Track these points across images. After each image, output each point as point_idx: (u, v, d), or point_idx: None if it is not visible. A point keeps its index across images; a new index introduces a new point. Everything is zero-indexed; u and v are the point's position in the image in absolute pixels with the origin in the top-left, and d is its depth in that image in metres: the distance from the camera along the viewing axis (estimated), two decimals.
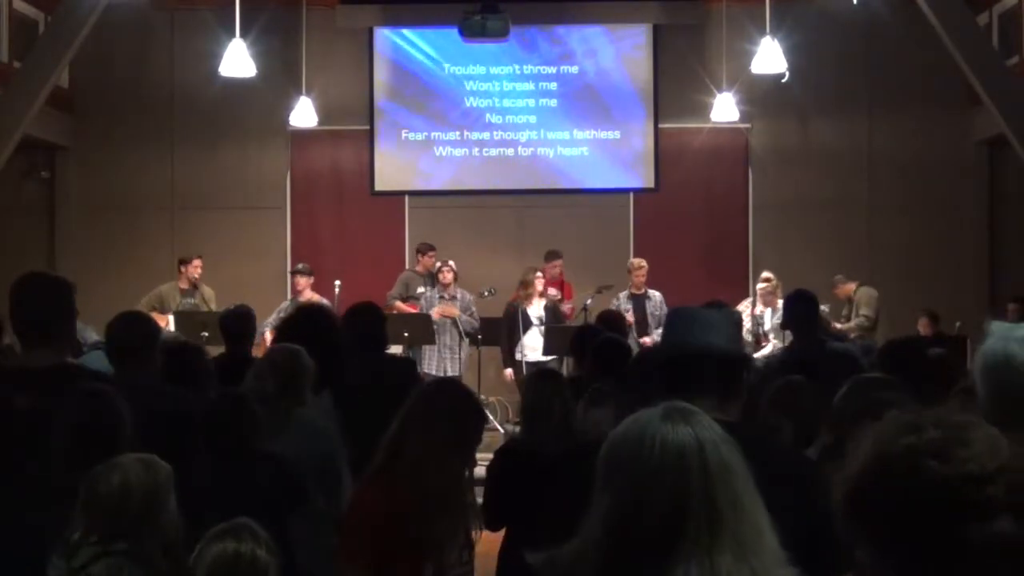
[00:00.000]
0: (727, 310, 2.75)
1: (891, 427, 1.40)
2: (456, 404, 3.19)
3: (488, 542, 3.60)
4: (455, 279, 11.02)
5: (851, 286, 11.33)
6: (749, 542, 1.70)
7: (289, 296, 11.45)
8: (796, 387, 4.00)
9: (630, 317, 10.36)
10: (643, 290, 10.92)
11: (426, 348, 10.78)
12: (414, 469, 3.01)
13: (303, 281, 11.19)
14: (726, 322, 2.61)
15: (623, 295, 11.04)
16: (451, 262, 11.12)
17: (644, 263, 11.02)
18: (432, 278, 11.28)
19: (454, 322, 10.91)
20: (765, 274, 10.79)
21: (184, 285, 11.09)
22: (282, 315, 10.97)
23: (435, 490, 3.01)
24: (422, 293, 11.18)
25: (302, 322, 4.72)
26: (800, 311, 6.05)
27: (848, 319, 11.17)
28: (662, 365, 2.59)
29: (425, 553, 3.02)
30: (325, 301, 10.79)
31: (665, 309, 10.80)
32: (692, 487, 1.70)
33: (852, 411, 3.25)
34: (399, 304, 11.18)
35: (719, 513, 1.69)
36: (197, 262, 11.12)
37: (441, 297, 10.95)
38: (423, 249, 11.59)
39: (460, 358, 10.90)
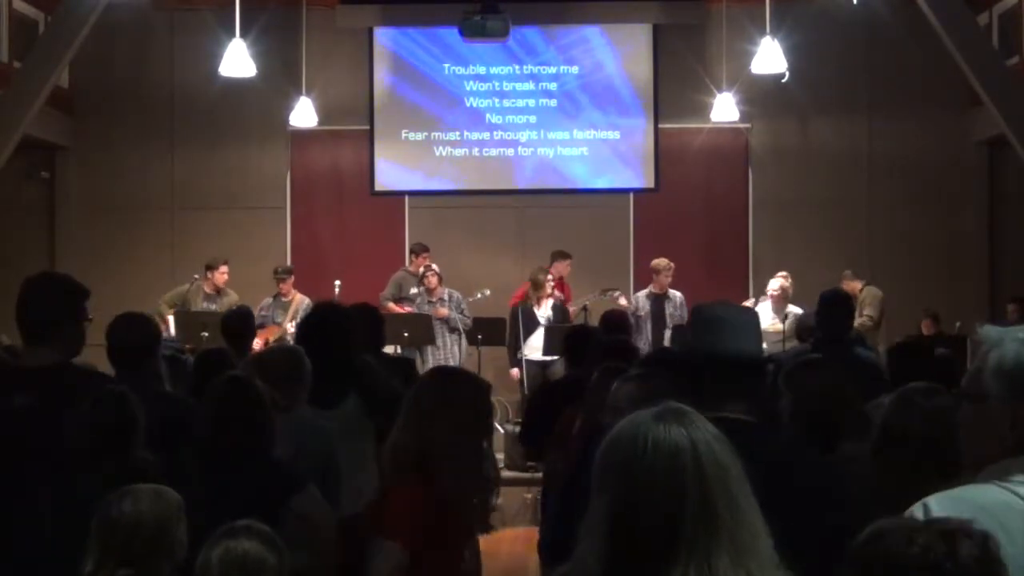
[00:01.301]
0: (752, 312, 2.76)
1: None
2: (471, 390, 3.23)
3: (488, 541, 3.60)
4: (440, 282, 11.06)
5: (857, 284, 11.29)
6: (746, 544, 1.69)
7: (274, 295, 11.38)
8: (808, 364, 4.00)
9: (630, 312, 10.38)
10: (665, 291, 10.92)
11: (427, 351, 10.81)
12: (451, 461, 3.05)
13: (285, 286, 11.19)
14: (753, 325, 2.64)
15: (642, 294, 11.03)
16: (434, 266, 11.16)
17: (672, 265, 11.00)
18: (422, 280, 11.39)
19: (447, 324, 10.94)
20: (783, 273, 10.64)
21: (209, 290, 11.05)
22: (264, 314, 10.99)
23: (470, 478, 3.10)
24: (415, 294, 11.20)
25: (319, 324, 4.64)
26: (833, 312, 6.06)
27: None
28: (695, 368, 2.61)
29: (462, 541, 3.12)
30: (307, 300, 10.83)
31: (685, 311, 10.78)
32: (687, 488, 1.69)
33: (905, 423, 3.22)
34: (391, 305, 11.17)
35: (716, 514, 1.68)
36: (224, 268, 11.04)
37: (429, 302, 10.98)
38: (417, 250, 11.62)
39: (459, 358, 10.92)
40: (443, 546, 3.01)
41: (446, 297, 11.08)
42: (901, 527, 1.68)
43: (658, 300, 10.88)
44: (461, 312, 11.05)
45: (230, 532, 2.76)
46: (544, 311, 10.79)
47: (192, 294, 11.01)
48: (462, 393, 3.17)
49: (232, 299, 10.93)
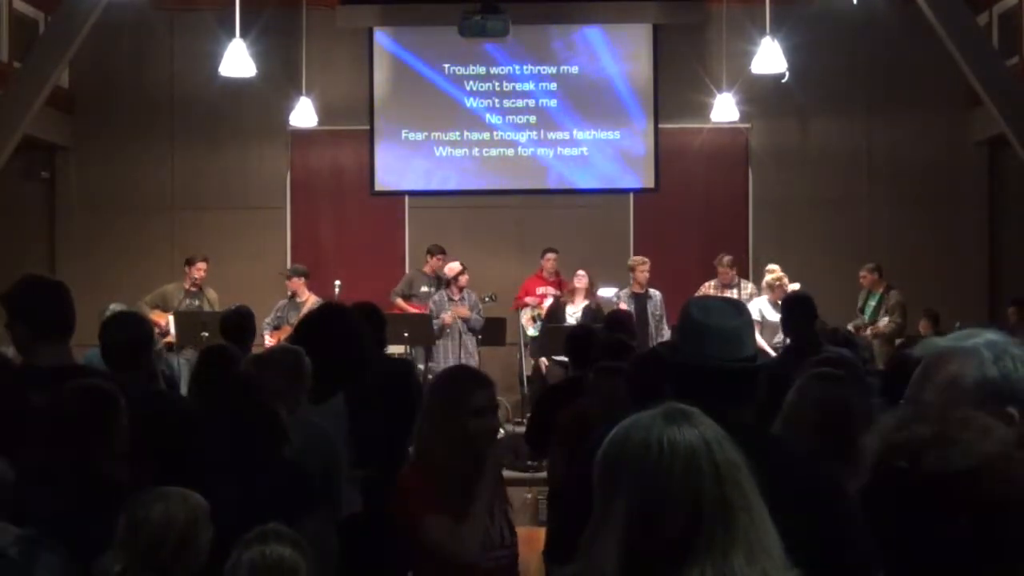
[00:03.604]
0: (744, 313, 2.70)
1: (897, 422, 1.41)
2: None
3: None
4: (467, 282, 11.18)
5: (880, 283, 11.26)
6: (760, 542, 1.70)
7: (289, 295, 11.43)
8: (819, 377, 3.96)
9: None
10: (645, 289, 10.90)
11: (439, 350, 10.86)
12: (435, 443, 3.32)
13: (297, 281, 11.19)
14: (742, 330, 2.61)
15: (623, 293, 11.01)
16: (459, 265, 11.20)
17: (647, 260, 11.02)
18: (437, 280, 11.42)
19: (465, 323, 10.99)
20: (772, 267, 10.56)
21: (188, 286, 11.04)
22: (279, 315, 11.03)
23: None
24: (425, 292, 11.25)
25: (321, 321, 4.66)
26: (798, 314, 6.10)
27: (863, 310, 11.19)
28: (680, 375, 2.59)
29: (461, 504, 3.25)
30: (322, 301, 10.84)
31: (665, 310, 10.79)
32: (704, 488, 1.69)
33: (804, 408, 3.23)
34: (400, 302, 11.29)
35: (733, 513, 1.69)
36: (201, 265, 11.02)
37: (451, 299, 11.00)
38: (433, 251, 11.64)
39: (476, 358, 10.93)
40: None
41: (464, 296, 11.13)
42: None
43: (639, 299, 10.86)
44: (477, 312, 11.11)
45: (261, 537, 2.74)
46: (574, 310, 10.73)
47: (172, 292, 10.98)
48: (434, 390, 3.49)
49: (212, 295, 10.93)
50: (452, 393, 3.35)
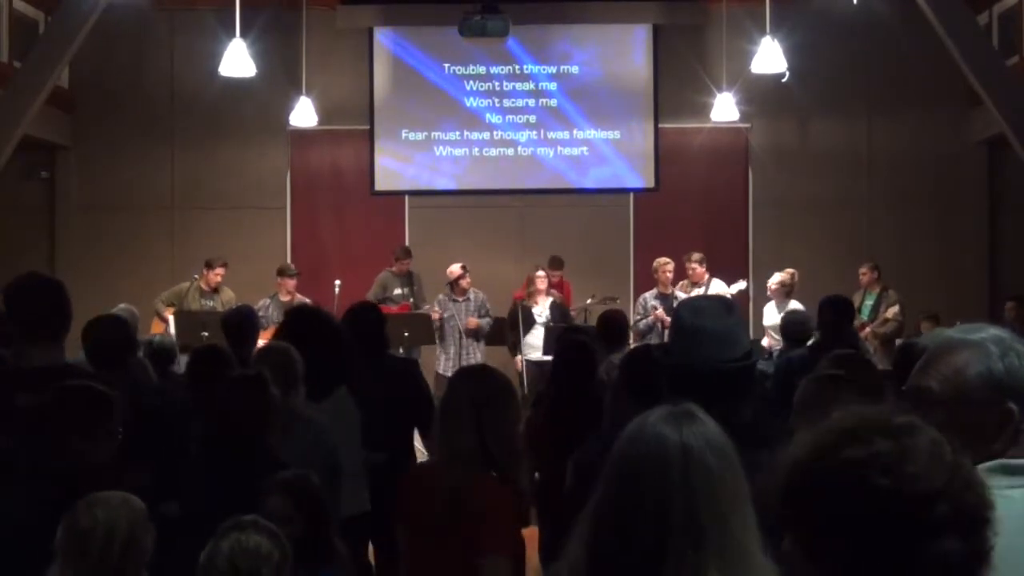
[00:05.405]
0: (734, 312, 2.68)
1: (834, 434, 1.37)
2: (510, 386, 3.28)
3: None
4: (469, 284, 11.15)
5: (878, 283, 11.25)
6: (735, 559, 1.67)
7: (272, 295, 11.34)
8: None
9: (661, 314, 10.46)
10: (670, 290, 10.86)
11: (445, 350, 10.90)
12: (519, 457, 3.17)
13: (291, 282, 11.18)
14: (733, 330, 2.60)
15: (650, 295, 10.97)
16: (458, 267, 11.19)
17: (670, 260, 10.94)
18: (408, 277, 11.42)
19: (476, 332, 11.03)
20: (789, 270, 10.53)
21: (204, 287, 11.03)
22: (262, 315, 10.94)
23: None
24: (399, 295, 11.24)
25: (302, 321, 4.69)
26: (834, 317, 6.10)
27: (859, 311, 11.18)
28: (675, 378, 2.59)
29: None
30: (308, 301, 10.85)
31: None
32: (673, 496, 1.67)
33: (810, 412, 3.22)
34: None
35: (702, 530, 1.66)
36: (220, 270, 10.94)
37: (454, 300, 10.99)
38: (399, 255, 11.56)
39: (479, 358, 10.95)
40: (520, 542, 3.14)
41: (471, 297, 11.11)
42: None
43: (666, 300, 10.82)
44: (486, 312, 11.09)
45: (239, 525, 2.79)
46: (541, 309, 10.77)
47: (188, 291, 10.98)
48: (509, 389, 3.24)
49: (228, 296, 10.91)
50: (517, 398, 3.23)
